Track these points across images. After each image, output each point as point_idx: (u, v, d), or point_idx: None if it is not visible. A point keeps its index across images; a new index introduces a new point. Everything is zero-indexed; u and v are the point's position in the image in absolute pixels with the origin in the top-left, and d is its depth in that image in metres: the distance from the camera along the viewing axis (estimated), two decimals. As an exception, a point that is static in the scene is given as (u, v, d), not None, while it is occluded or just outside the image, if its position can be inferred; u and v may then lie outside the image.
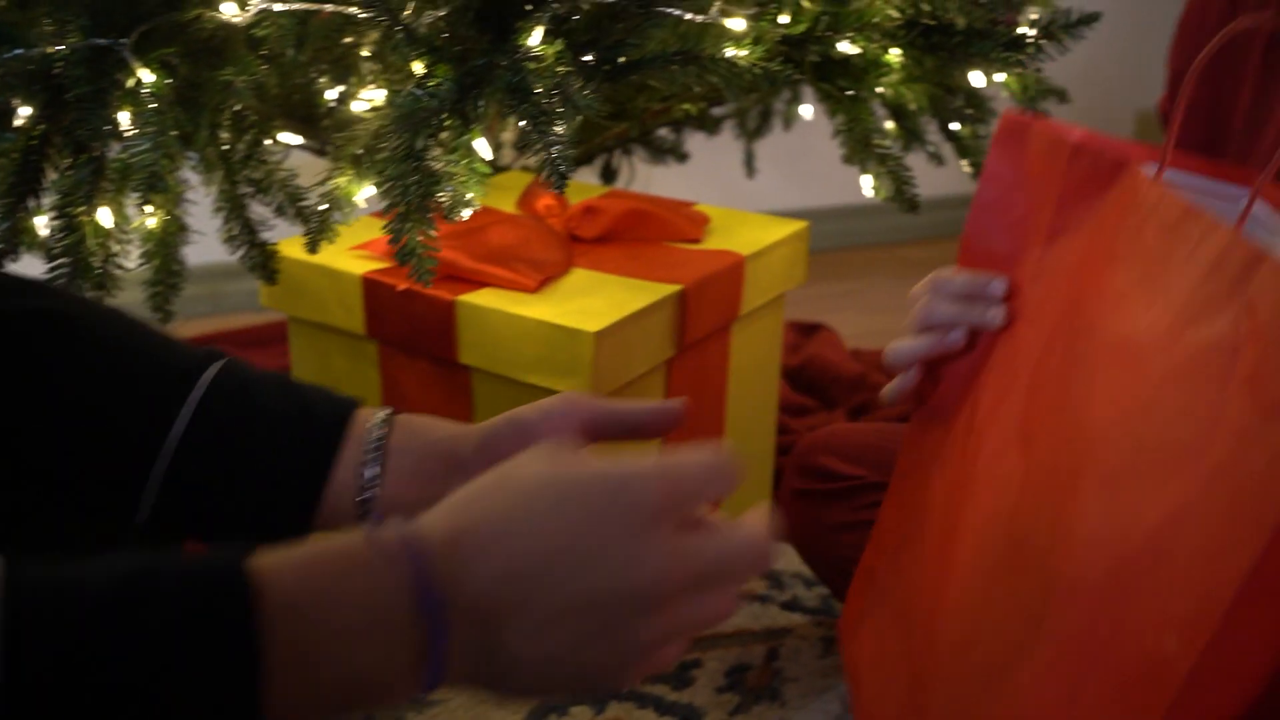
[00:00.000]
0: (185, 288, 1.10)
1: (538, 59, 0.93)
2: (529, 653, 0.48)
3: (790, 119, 1.80)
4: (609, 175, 1.62)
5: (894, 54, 1.10)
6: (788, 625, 1.24)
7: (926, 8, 1.03)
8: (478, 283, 1.11)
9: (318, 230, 0.99)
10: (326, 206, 0.98)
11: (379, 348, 1.17)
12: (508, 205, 1.29)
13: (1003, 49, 1.04)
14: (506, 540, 0.48)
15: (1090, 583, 0.60)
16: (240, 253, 1.11)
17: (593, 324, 1.03)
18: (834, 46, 1.07)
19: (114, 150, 0.99)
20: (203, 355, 0.69)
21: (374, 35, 1.02)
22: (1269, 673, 0.50)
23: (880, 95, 1.16)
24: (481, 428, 0.68)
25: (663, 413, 0.68)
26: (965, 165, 1.34)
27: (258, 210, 1.11)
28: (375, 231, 1.18)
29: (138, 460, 0.64)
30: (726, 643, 1.22)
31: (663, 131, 1.62)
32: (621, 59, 1.00)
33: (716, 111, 1.61)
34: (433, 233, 0.99)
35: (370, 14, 0.88)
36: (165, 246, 1.03)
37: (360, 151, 0.98)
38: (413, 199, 0.92)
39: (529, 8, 0.94)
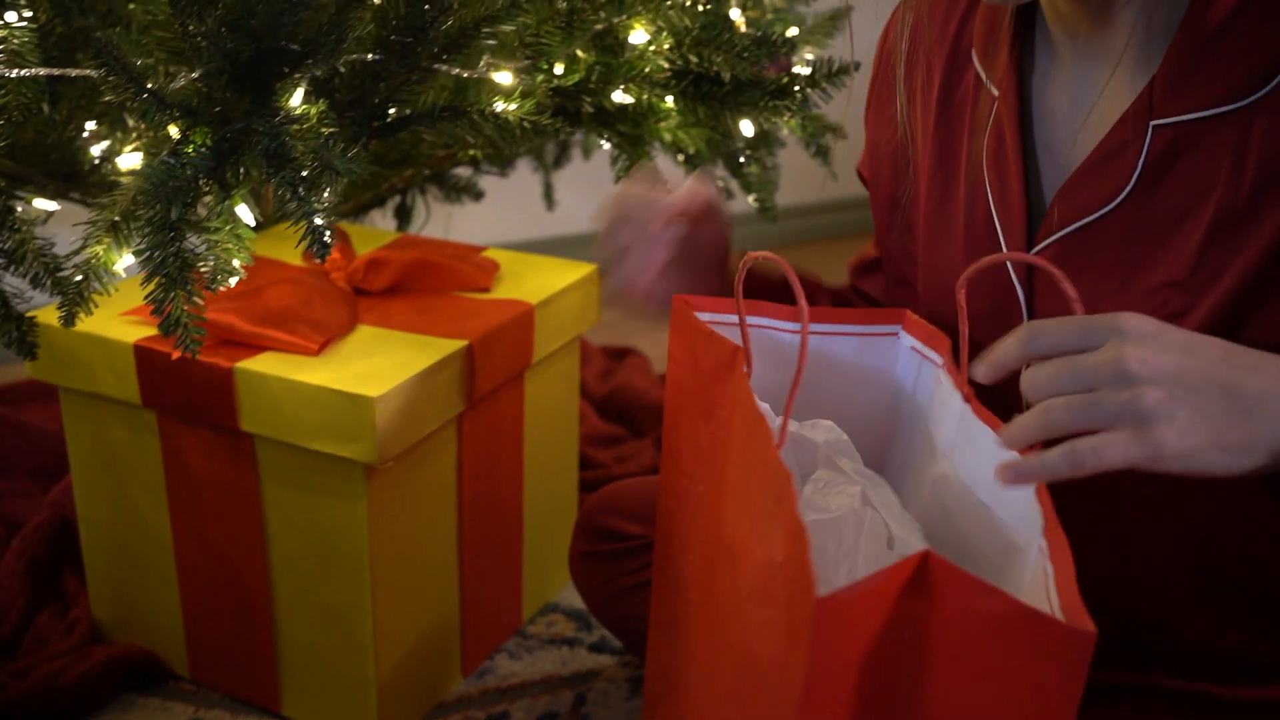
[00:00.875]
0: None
1: (300, 120, 0.91)
2: None
3: (590, 148, 1.81)
4: (404, 215, 1.60)
5: (669, 101, 1.11)
6: (595, 668, 1.25)
7: (694, 59, 1.05)
8: (258, 347, 1.08)
9: (73, 302, 0.94)
10: (82, 278, 0.94)
11: (158, 417, 1.12)
12: (294, 255, 1.26)
13: (770, 97, 1.06)
14: None
15: None
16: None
17: (374, 388, 1.01)
18: (608, 97, 1.08)
19: None
20: None
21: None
22: None
23: (660, 138, 1.17)
24: None
25: None
26: (752, 200, 1.37)
27: (13, 281, 1.06)
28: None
29: None
30: (534, 690, 1.22)
31: (459, 169, 1.60)
32: (390, 115, 0.99)
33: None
34: (199, 300, 0.96)
35: (112, 80, 0.84)
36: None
37: (117, 218, 0.94)
38: (171, 270, 0.88)
39: (288, 69, 0.91)
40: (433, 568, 1.16)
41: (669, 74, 1.08)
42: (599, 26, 1.08)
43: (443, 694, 1.21)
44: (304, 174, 0.86)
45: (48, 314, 1.11)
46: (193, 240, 0.93)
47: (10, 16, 0.97)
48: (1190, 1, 0.73)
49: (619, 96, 1.08)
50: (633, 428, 1.77)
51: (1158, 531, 0.78)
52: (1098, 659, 0.57)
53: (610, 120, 1.13)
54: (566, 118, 1.12)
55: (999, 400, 0.74)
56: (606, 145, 1.18)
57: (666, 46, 1.06)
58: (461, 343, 1.10)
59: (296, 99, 0.93)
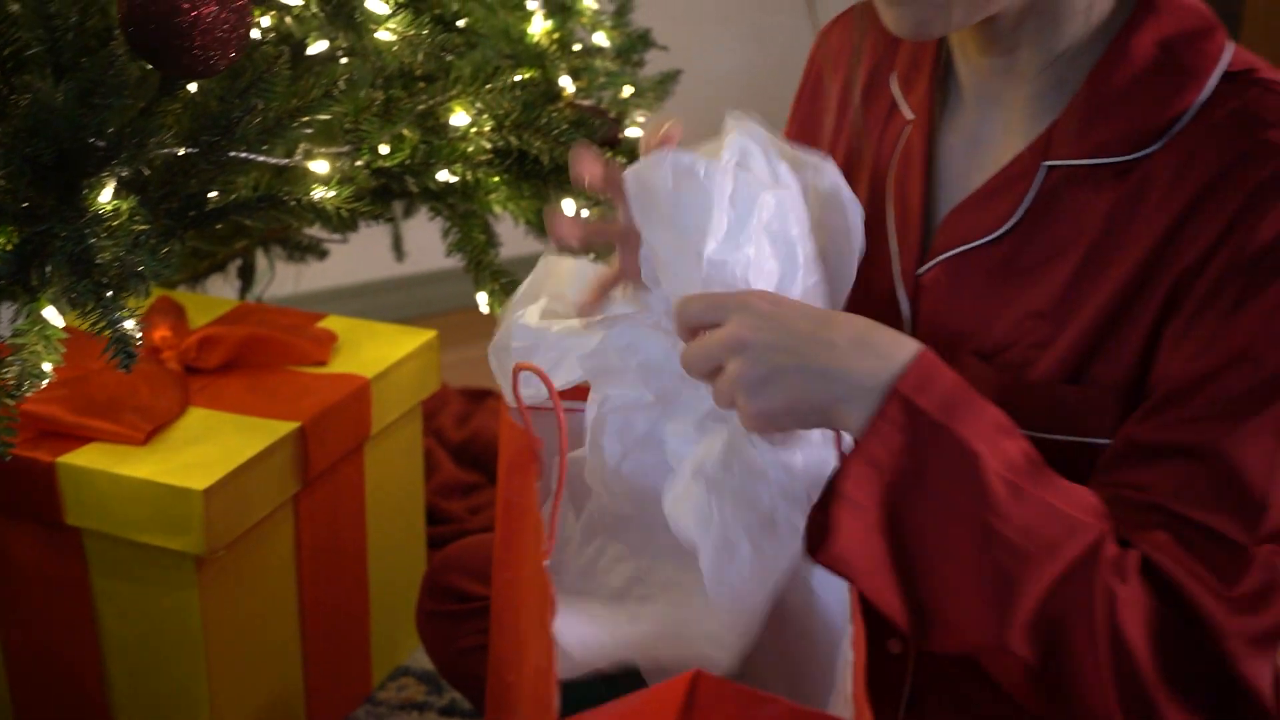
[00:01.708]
0: None
1: (109, 219, 0.90)
2: None
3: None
4: (247, 276, 1.58)
5: (495, 178, 1.13)
6: (446, 733, 1.26)
7: (515, 141, 1.06)
8: (83, 438, 1.06)
9: None
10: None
11: (-20, 510, 1.10)
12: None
13: (592, 174, 1.08)
14: None
15: None
16: None
17: (201, 479, 1.00)
18: (432, 177, 1.09)
19: None
20: None
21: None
22: None
23: (490, 210, 1.19)
24: None
25: None
26: (592, 258, 1.39)
27: None
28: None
29: None
30: (385, 761, 1.22)
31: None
32: (207, 205, 0.98)
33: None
34: (9, 401, 0.94)
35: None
36: None
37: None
38: (-24, 374, 0.87)
39: (93, 168, 0.90)
40: (273, 647, 1.16)
41: (492, 154, 1.09)
42: (420, 108, 1.09)
43: (291, 770, 1.21)
44: (108, 279, 0.85)
45: None
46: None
47: None
48: (1095, 63, 0.79)
49: (444, 176, 1.09)
50: (489, 474, 1.78)
51: None
52: None
53: (443, 192, 1.14)
54: (393, 196, 1.13)
55: None
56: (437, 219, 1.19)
57: (488, 128, 1.07)
58: (293, 424, 1.10)
59: (106, 195, 0.92)
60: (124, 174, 0.91)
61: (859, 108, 0.93)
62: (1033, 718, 0.74)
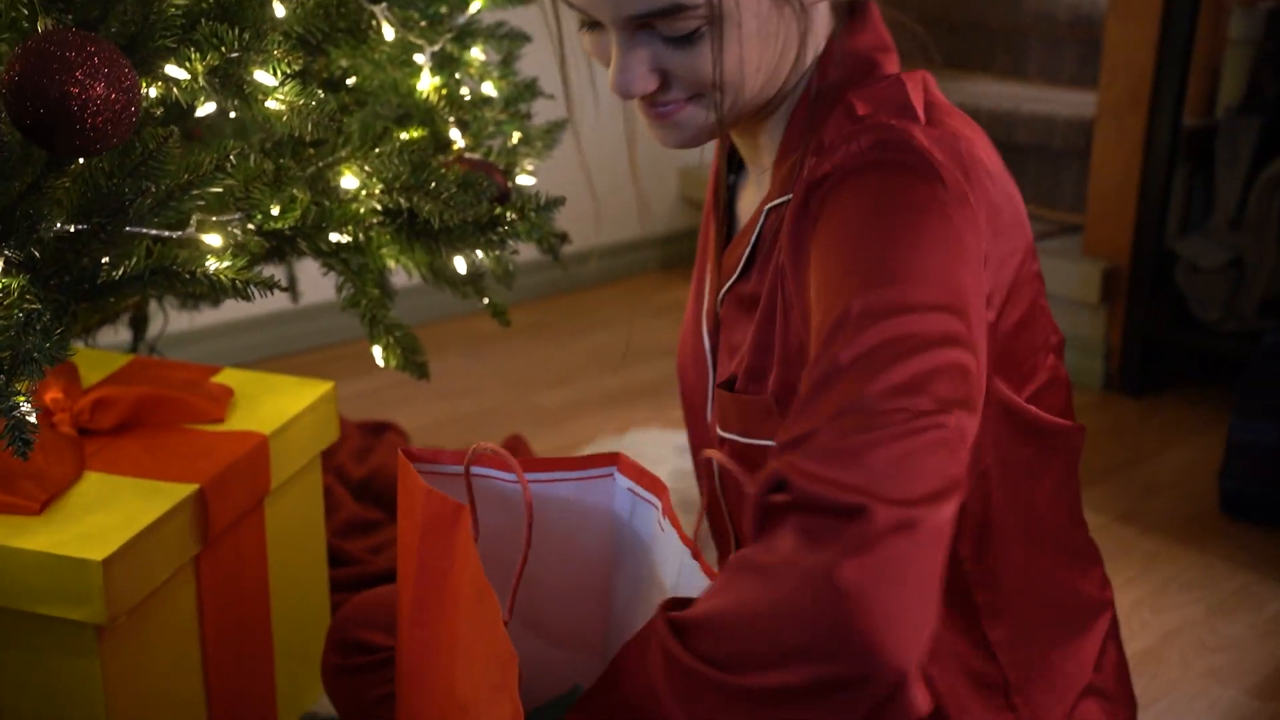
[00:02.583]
0: None
1: (1, 298, 0.90)
2: None
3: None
4: (140, 325, 1.57)
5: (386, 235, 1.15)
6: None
7: (404, 202, 1.08)
8: (-26, 509, 1.06)
9: None
10: None
11: None
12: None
13: (479, 231, 1.11)
14: None
15: None
16: None
17: (100, 549, 1.01)
18: (325, 238, 1.11)
19: None
20: None
21: None
22: None
23: (383, 264, 1.21)
24: None
25: None
26: (485, 302, 1.42)
27: None
28: None
29: None
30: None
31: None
32: (99, 279, 0.99)
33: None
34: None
35: None
36: None
37: None
38: None
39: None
40: (177, 707, 1.16)
41: (382, 215, 1.11)
42: (310, 170, 1.10)
43: (199, 827, 1.21)
44: (2, 365, 0.86)
45: None
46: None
47: None
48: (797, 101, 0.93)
49: (335, 237, 1.11)
50: (390, 511, 1.80)
51: None
52: None
53: (332, 252, 1.16)
54: (285, 254, 1.14)
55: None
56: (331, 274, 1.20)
57: (378, 190, 1.09)
58: (192, 486, 1.11)
59: (-5, 275, 0.93)
60: (15, 255, 0.91)
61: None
62: None
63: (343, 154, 1.10)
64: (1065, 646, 0.96)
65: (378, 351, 1.22)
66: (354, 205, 1.10)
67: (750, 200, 1.01)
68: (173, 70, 0.97)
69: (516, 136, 1.42)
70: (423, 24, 1.21)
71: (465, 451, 0.92)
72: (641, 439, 2.05)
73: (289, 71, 1.00)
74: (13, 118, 0.88)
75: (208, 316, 1.83)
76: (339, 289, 1.22)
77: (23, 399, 0.87)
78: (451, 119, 1.29)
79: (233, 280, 1.00)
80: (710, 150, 1.08)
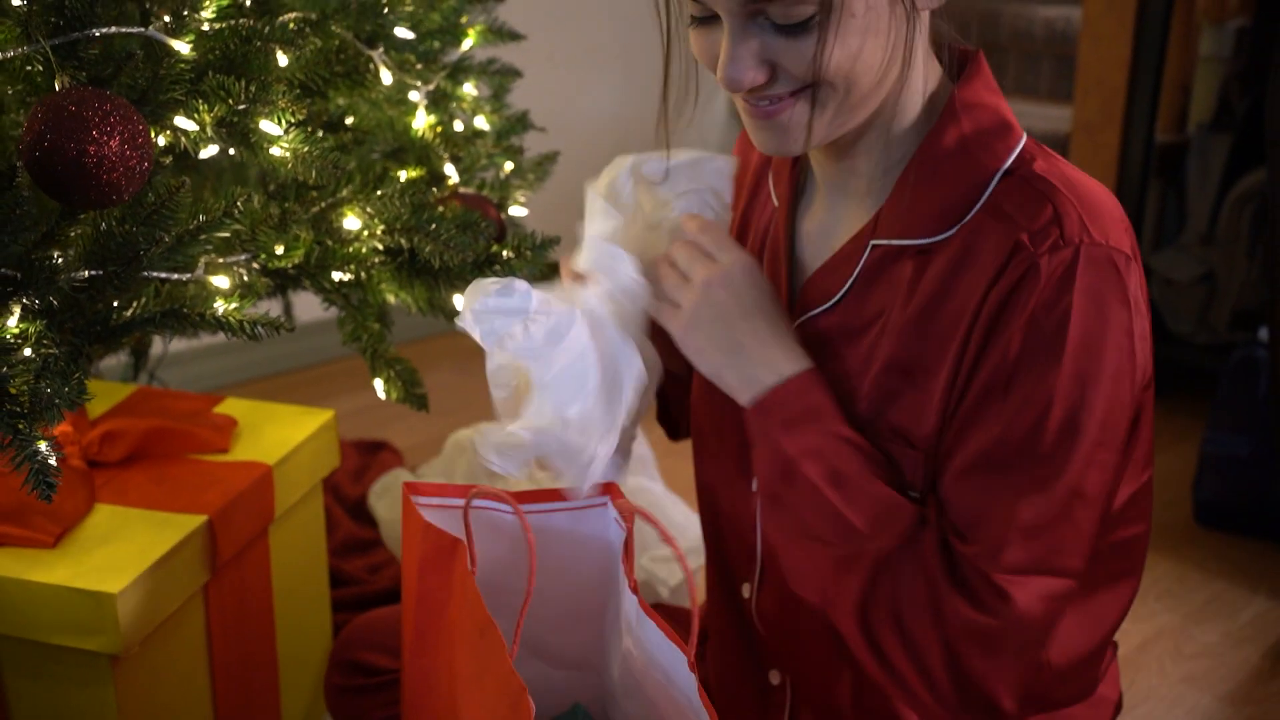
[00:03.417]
0: None
1: (17, 348, 0.93)
2: None
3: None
4: (140, 354, 1.61)
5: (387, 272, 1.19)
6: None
7: (405, 243, 1.12)
8: (-10, 544, 1.09)
9: None
10: None
11: (-111, 616, 1.12)
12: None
13: (476, 269, 1.15)
14: None
15: None
16: None
17: (115, 582, 1.04)
18: (328, 276, 1.15)
19: None
20: None
21: None
22: None
23: (383, 299, 1.25)
24: None
25: None
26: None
27: None
28: None
29: None
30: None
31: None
32: (111, 322, 1.02)
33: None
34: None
35: None
36: None
37: None
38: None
39: (2, 291, 0.94)
40: (188, 731, 1.20)
41: (384, 255, 1.15)
42: (313, 211, 1.14)
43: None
44: (21, 409, 0.89)
45: None
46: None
47: None
48: (918, 146, 0.92)
49: (338, 276, 1.15)
50: (387, 531, 1.83)
51: None
52: None
53: (333, 289, 1.20)
54: (287, 290, 1.18)
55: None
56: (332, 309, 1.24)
57: (379, 231, 1.13)
58: (201, 518, 1.14)
59: (12, 321, 0.96)
60: (34, 304, 0.95)
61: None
62: None
63: (344, 195, 1.14)
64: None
65: (379, 384, 1.25)
66: (356, 245, 1.14)
67: (823, 222, 1.00)
68: (181, 122, 1.01)
69: (509, 167, 1.47)
70: (418, 66, 1.25)
71: (468, 487, 0.96)
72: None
73: (293, 120, 1.04)
74: (32, 174, 0.91)
75: (202, 336, 1.87)
76: (340, 323, 1.26)
77: (44, 443, 0.90)
78: (446, 155, 1.33)
79: (240, 322, 1.04)
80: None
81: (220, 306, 1.04)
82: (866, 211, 0.96)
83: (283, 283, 1.15)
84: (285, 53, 1.09)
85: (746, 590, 1.06)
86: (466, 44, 1.40)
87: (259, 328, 1.03)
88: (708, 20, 0.88)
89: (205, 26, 1.03)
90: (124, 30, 0.96)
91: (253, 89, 1.01)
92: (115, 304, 1.01)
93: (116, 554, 1.09)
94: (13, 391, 0.92)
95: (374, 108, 1.30)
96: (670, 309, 0.96)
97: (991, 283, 0.86)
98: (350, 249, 1.13)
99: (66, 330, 1.02)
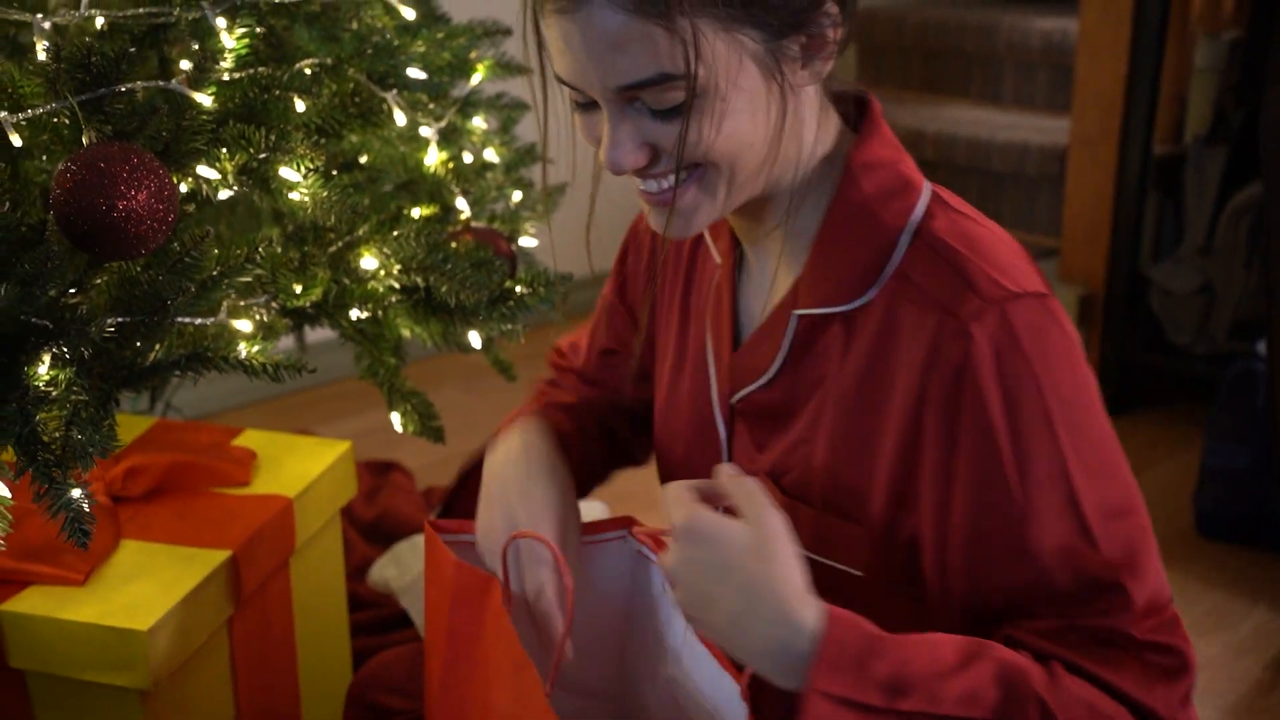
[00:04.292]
0: None
1: (48, 395, 0.96)
2: None
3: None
4: (158, 385, 1.63)
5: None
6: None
7: (421, 281, 1.15)
8: (22, 582, 1.12)
9: None
10: None
11: (-79, 653, 1.14)
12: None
13: (491, 305, 1.18)
14: None
15: None
16: None
17: (144, 619, 1.07)
18: (345, 315, 1.17)
19: None
20: None
21: None
22: None
23: (399, 334, 1.27)
24: None
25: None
26: (490, 360, 1.48)
27: None
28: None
29: None
30: None
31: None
32: (138, 366, 1.05)
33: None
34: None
35: None
36: None
37: None
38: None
39: (32, 346, 0.97)
40: (214, 761, 1.23)
41: (400, 293, 1.18)
42: (331, 250, 1.17)
43: None
44: (54, 458, 0.92)
45: None
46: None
47: None
48: (826, 210, 0.92)
49: (355, 314, 1.18)
50: (400, 552, 1.86)
51: None
52: None
53: (350, 326, 1.23)
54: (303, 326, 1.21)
55: None
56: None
57: (396, 270, 1.16)
58: (225, 553, 1.17)
59: (43, 369, 0.99)
60: (64, 354, 0.97)
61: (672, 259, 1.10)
62: None
63: (361, 235, 1.17)
64: None
65: (395, 418, 1.28)
66: (373, 284, 1.16)
67: (757, 290, 1.00)
68: (204, 170, 1.04)
69: (517, 197, 1.49)
70: (430, 105, 1.28)
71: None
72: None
73: (311, 166, 1.07)
74: (62, 228, 0.94)
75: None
76: (357, 358, 1.28)
77: (77, 489, 0.93)
78: (458, 190, 1.36)
79: (263, 364, 1.06)
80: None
81: (243, 349, 1.07)
82: (789, 272, 0.96)
83: (301, 321, 1.17)
84: (302, 99, 1.11)
85: None
86: (476, 78, 1.42)
87: (280, 369, 1.06)
88: (589, 105, 0.88)
89: (225, 76, 1.06)
90: (148, 85, 0.98)
91: (272, 137, 1.03)
92: (139, 345, 1.03)
93: (144, 591, 1.11)
94: (45, 439, 0.94)
95: (387, 145, 1.32)
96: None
97: (929, 363, 0.84)
98: (367, 288, 1.16)
99: (95, 376, 1.04)
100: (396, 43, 1.23)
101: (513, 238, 1.39)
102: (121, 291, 1.02)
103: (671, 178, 0.88)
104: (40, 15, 1.03)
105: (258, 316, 1.10)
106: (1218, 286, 2.30)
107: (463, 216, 1.35)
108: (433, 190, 1.35)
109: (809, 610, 0.77)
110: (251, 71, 1.08)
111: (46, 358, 1.00)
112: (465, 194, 1.38)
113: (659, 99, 0.84)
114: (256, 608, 1.25)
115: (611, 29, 0.81)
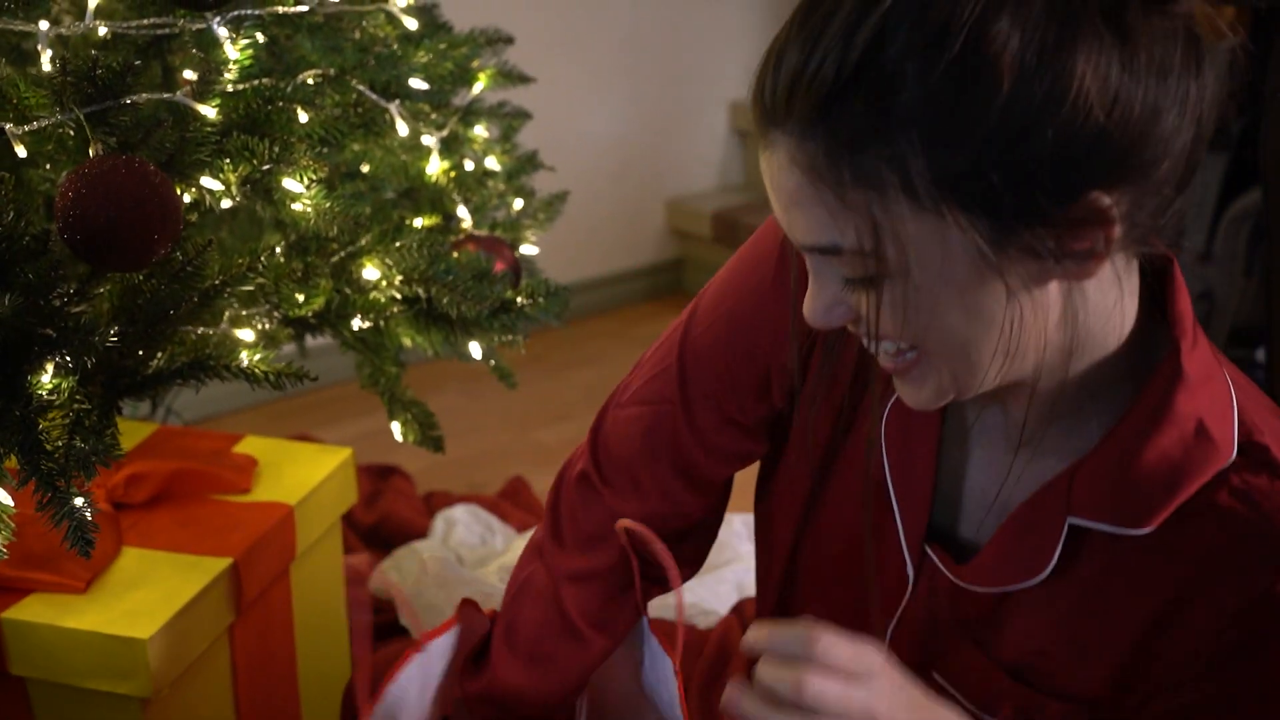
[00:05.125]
0: None
1: (51, 404, 0.96)
2: None
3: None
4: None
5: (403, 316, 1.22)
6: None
7: (423, 292, 1.16)
8: (23, 590, 1.12)
9: None
10: None
11: (-78, 660, 1.15)
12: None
13: (493, 315, 1.18)
14: None
15: None
16: None
17: (145, 627, 1.07)
18: (347, 325, 1.18)
19: None
20: None
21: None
22: None
23: (400, 343, 1.28)
24: None
25: None
26: (491, 365, 1.49)
27: None
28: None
29: None
30: None
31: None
32: (140, 375, 1.05)
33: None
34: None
35: None
36: None
37: None
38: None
39: (36, 356, 0.97)
40: (215, 768, 1.23)
41: (402, 303, 1.18)
42: (334, 260, 1.17)
43: None
44: (57, 467, 0.92)
45: None
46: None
47: None
48: (1124, 414, 0.77)
49: (357, 324, 1.18)
50: (400, 557, 1.86)
51: None
52: None
53: (352, 336, 1.23)
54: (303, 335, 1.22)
55: None
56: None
57: (398, 280, 1.16)
58: (226, 560, 1.17)
59: (46, 378, 0.99)
60: (67, 363, 0.98)
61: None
62: None
63: (364, 245, 1.17)
64: None
65: (396, 427, 1.29)
66: (375, 294, 1.17)
67: (969, 437, 0.85)
68: (207, 181, 1.04)
69: (519, 205, 1.50)
70: (432, 115, 1.28)
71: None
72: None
73: (314, 178, 1.07)
74: (66, 240, 0.94)
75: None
76: (359, 366, 1.29)
77: (80, 498, 0.93)
78: (459, 198, 1.36)
79: (265, 373, 1.07)
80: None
81: (245, 358, 1.07)
82: (1047, 449, 0.81)
83: (303, 330, 1.18)
84: (305, 110, 1.12)
85: None
86: (477, 87, 1.43)
87: (283, 378, 1.06)
88: None
89: (229, 88, 1.06)
90: (152, 97, 0.99)
91: (276, 148, 1.04)
92: (142, 354, 1.04)
93: (145, 598, 1.12)
94: (48, 448, 0.95)
95: (388, 154, 1.33)
96: None
97: (1230, 621, 0.75)
98: (369, 298, 1.17)
99: (98, 385, 1.05)
100: (399, 53, 1.24)
101: (514, 246, 1.40)
102: (124, 300, 1.03)
103: (890, 344, 0.74)
104: (45, 25, 1.03)
105: (260, 326, 1.10)
106: (1217, 294, 2.30)
107: (464, 225, 1.36)
108: (434, 199, 1.36)
109: None
110: (255, 83, 1.08)
111: (49, 366, 1.00)
112: (466, 202, 1.38)
113: (843, 266, 0.72)
114: (257, 615, 1.25)
115: (789, 185, 0.70)
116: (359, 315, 1.17)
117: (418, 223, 1.29)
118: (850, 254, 0.70)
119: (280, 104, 1.07)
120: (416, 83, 1.25)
